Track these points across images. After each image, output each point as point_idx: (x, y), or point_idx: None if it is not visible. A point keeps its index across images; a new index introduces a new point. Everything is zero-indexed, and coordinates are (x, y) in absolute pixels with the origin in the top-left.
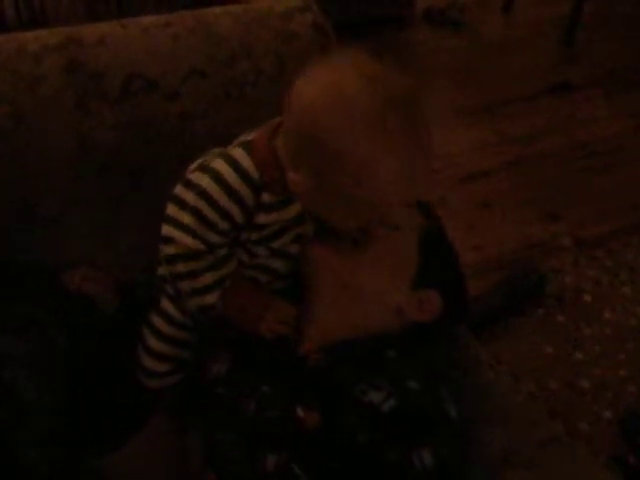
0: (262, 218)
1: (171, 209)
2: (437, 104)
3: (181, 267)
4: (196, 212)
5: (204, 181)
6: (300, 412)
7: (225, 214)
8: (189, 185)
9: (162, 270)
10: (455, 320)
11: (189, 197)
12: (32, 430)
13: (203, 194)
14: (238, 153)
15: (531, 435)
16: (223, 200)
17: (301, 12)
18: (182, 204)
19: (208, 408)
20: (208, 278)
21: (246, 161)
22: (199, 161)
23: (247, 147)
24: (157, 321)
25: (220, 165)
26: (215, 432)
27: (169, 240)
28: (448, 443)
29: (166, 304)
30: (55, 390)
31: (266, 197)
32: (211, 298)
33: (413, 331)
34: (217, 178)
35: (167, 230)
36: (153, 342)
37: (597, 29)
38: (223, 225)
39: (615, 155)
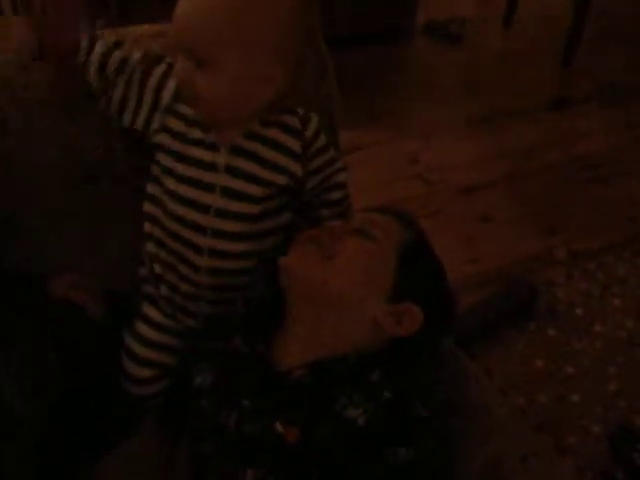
0: (172, 122)
1: None
2: (436, 117)
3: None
4: None
5: None
6: (279, 427)
7: None
8: None
9: (143, 271)
10: (441, 333)
11: None
12: (19, 443)
13: None
14: None
15: (515, 449)
16: None
17: None
18: None
19: (191, 420)
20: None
21: None
22: None
23: None
24: (138, 325)
25: None
26: (197, 444)
27: None
28: (420, 443)
29: (146, 307)
30: (44, 401)
31: (182, 107)
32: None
33: (397, 350)
34: None
35: None
36: (135, 347)
37: (595, 43)
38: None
39: (611, 167)
